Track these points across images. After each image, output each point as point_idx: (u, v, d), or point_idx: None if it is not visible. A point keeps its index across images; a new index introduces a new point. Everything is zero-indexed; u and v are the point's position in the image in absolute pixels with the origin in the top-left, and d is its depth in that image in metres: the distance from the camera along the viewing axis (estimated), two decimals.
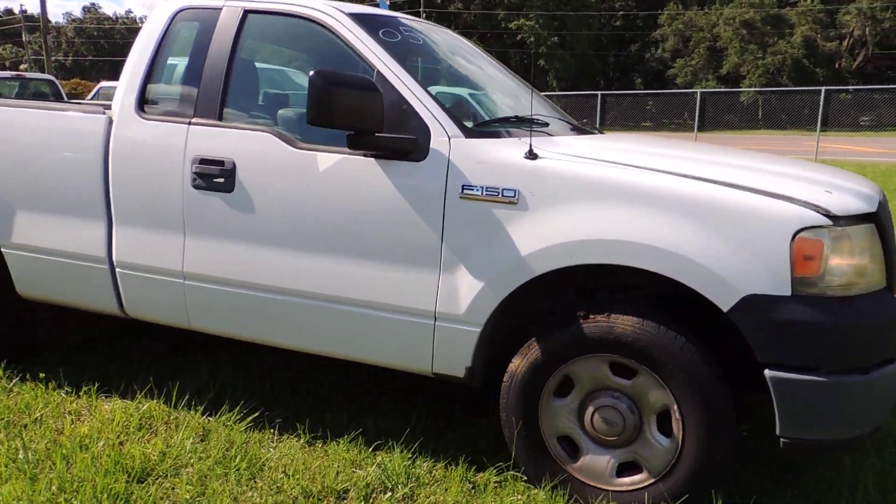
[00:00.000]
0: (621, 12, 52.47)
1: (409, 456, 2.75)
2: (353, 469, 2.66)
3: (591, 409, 2.43)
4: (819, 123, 20.43)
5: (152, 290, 3.07)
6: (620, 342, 2.31)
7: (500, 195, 2.42)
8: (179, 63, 3.13)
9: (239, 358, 3.72)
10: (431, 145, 2.53)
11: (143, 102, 3.04)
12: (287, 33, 3.22)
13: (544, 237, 2.35)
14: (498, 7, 48.90)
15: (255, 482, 2.56)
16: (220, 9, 3.03)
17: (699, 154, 2.74)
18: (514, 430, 2.53)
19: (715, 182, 2.28)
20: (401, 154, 2.54)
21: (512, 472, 2.60)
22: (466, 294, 2.48)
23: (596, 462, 2.45)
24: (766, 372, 2.16)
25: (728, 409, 2.26)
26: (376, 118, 2.46)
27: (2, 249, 3.33)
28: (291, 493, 2.49)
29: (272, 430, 2.95)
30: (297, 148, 2.72)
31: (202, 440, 2.86)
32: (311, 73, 2.39)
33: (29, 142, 3.22)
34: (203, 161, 2.85)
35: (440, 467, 2.70)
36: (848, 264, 2.15)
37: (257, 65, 3.30)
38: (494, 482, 2.59)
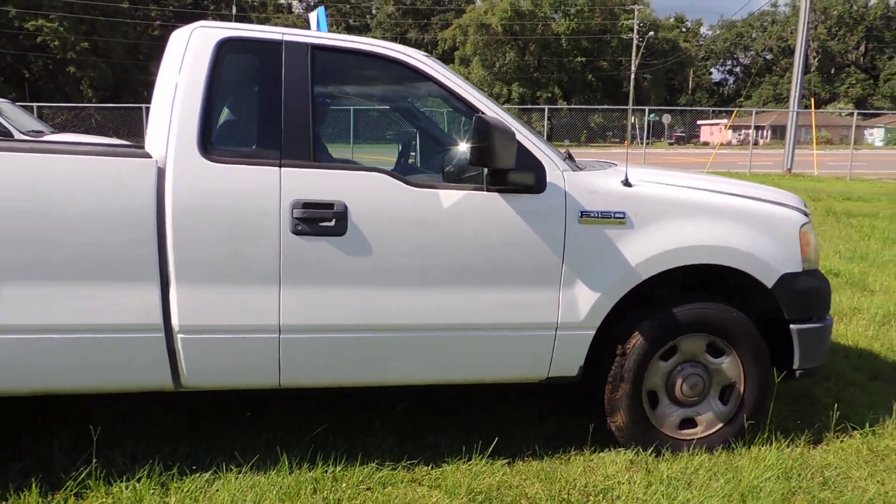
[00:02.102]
0: (159, 22, 50.23)
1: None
2: None
3: (679, 377, 3.16)
4: None
5: (228, 352, 2.69)
6: (713, 325, 3.10)
7: (612, 217, 2.94)
8: (230, 100, 2.86)
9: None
10: (548, 179, 2.90)
11: (206, 144, 2.60)
12: (364, 72, 3.21)
13: (649, 249, 2.97)
14: (8, 3, 41.74)
15: None
16: (280, 42, 2.80)
17: (705, 178, 3.53)
18: (619, 390, 3.09)
19: (750, 197, 3.24)
20: (525, 188, 2.85)
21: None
22: (585, 303, 2.96)
23: (668, 415, 3.21)
24: (792, 326, 3.18)
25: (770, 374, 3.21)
26: (512, 157, 2.71)
27: None
28: None
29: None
30: (414, 186, 2.79)
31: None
32: (477, 117, 2.64)
33: (34, 195, 2.49)
34: (307, 205, 2.66)
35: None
36: (815, 246, 3.29)
37: (339, 104, 2.97)
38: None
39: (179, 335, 2.66)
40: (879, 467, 3.12)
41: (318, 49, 2.84)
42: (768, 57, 78.17)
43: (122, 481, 2.76)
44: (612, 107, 50.00)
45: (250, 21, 50.82)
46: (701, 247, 3.03)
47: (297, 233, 2.67)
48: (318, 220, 2.68)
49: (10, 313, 2.51)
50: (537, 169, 2.88)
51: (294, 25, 47.40)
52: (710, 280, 3.21)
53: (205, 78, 2.68)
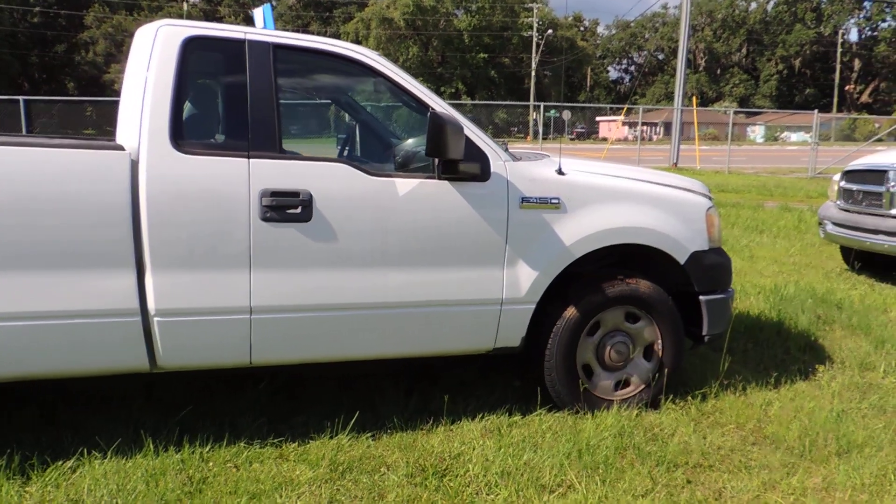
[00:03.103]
0: (38, 8, 47.21)
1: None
2: None
3: (607, 345, 3.55)
4: None
5: (203, 333, 2.88)
6: (639, 297, 3.51)
7: (549, 202, 3.28)
8: (195, 94, 3.06)
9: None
10: (492, 169, 3.20)
11: (177, 137, 2.76)
12: (321, 70, 3.48)
13: (581, 230, 3.33)
14: None
15: None
16: (243, 41, 2.98)
17: (627, 168, 3.87)
18: (555, 361, 3.45)
19: (664, 185, 3.65)
20: (472, 177, 3.15)
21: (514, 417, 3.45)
22: (526, 280, 3.29)
23: (604, 381, 3.60)
24: (701, 297, 3.65)
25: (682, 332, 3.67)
26: (461, 149, 2.99)
27: None
28: None
29: None
30: (374, 176, 3.04)
31: None
32: (431, 113, 2.90)
33: (12, 188, 2.59)
34: (275, 194, 2.86)
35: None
36: (718, 227, 3.76)
37: (295, 99, 3.24)
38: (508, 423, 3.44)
39: (155, 318, 2.80)
40: (703, 424, 3.53)
41: (279, 48, 3.04)
42: (660, 57, 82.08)
43: None
44: (514, 103, 51.19)
45: (141, 9, 48.61)
46: (625, 228, 3.42)
47: (265, 219, 2.88)
48: (286, 207, 2.89)
49: None
50: (482, 159, 3.18)
51: (190, 15, 45.67)
52: (630, 257, 3.64)
53: (173, 75, 2.83)
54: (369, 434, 3.28)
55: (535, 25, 58.58)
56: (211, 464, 2.96)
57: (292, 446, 3.16)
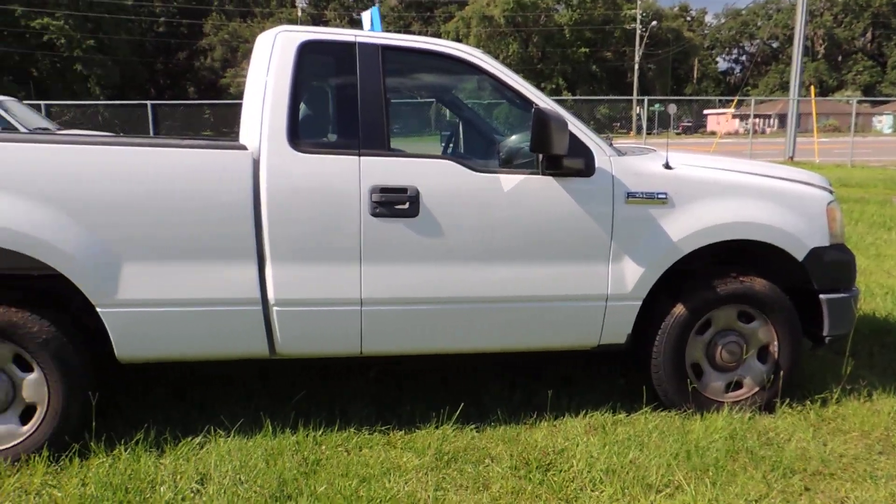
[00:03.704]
0: (163, 18, 50.51)
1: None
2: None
3: (719, 344, 3.44)
4: None
5: (318, 323, 3.03)
6: (754, 296, 3.39)
7: (655, 197, 3.23)
8: (310, 96, 3.20)
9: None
10: (597, 164, 3.18)
11: (294, 137, 2.92)
12: (427, 69, 3.56)
13: (690, 226, 3.25)
14: (14, 2, 42.10)
15: None
16: (354, 44, 3.11)
17: (741, 161, 3.79)
18: (663, 359, 3.38)
19: (781, 178, 3.50)
20: (576, 172, 3.14)
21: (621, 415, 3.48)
22: (632, 275, 3.24)
23: (715, 382, 3.49)
24: (821, 296, 3.47)
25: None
26: (566, 144, 3.00)
27: (99, 311, 2.81)
28: None
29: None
30: (478, 172, 3.10)
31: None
32: (536, 109, 2.93)
33: (148, 185, 2.82)
34: (384, 190, 2.97)
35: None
36: (840, 222, 3.57)
37: (399, 98, 3.40)
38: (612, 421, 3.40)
39: (275, 308, 2.99)
40: (823, 430, 3.35)
41: (387, 49, 3.16)
42: (774, 45, 77.78)
43: (121, 444, 3.02)
44: (617, 97, 50.01)
45: (253, 15, 51.05)
46: (737, 223, 3.31)
47: (375, 215, 3.00)
48: (394, 203, 3.00)
49: (132, 289, 2.85)
50: (586, 154, 3.18)
51: (299, 21, 47.54)
52: (742, 254, 3.52)
53: (290, 77, 3.01)
54: (473, 426, 3.33)
55: (639, 17, 56.93)
56: (324, 447, 3.11)
57: (399, 434, 3.26)
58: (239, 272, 2.95)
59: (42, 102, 22.76)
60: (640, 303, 3.30)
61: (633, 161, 3.33)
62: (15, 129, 10.48)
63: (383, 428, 3.29)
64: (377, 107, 3.08)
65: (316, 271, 3.01)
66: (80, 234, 2.79)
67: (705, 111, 59.46)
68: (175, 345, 2.99)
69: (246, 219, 2.92)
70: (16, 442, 2.90)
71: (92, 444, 2.98)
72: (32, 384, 2.90)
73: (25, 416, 2.94)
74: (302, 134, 3.06)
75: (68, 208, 2.77)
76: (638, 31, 55.99)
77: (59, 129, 11.99)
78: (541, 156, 3.13)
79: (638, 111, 43.11)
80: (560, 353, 3.62)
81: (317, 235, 2.99)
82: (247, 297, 2.97)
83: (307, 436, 3.16)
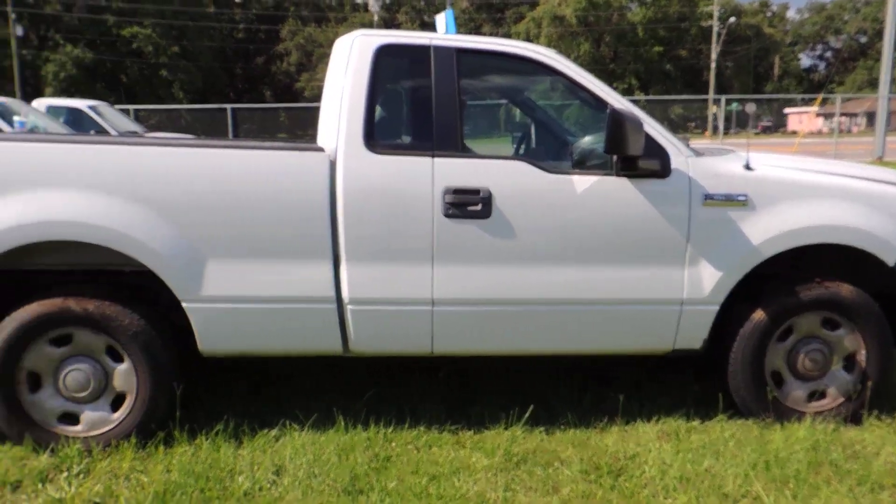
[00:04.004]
0: (242, 25, 52.29)
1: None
2: None
3: (801, 352, 3.29)
4: None
5: (390, 322, 3.08)
6: (839, 302, 3.25)
7: (735, 199, 3.14)
8: (385, 98, 3.24)
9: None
10: (673, 165, 3.12)
11: (369, 138, 2.98)
12: (500, 70, 3.57)
13: (771, 229, 3.13)
14: (106, 12, 44.44)
15: None
16: (429, 47, 3.15)
17: (826, 162, 3.69)
18: (741, 366, 3.27)
19: (870, 179, 3.35)
20: (651, 173, 3.09)
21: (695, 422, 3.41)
22: (709, 280, 3.16)
23: (796, 391, 3.35)
24: None
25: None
26: (641, 145, 2.95)
27: (185, 306, 2.94)
28: None
29: None
30: (551, 173, 3.08)
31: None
32: (611, 109, 2.90)
33: (231, 186, 2.93)
34: (457, 191, 2.99)
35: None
36: None
37: (472, 100, 3.45)
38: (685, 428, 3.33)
39: (349, 306, 3.06)
40: None
41: (461, 51, 3.19)
42: (862, 40, 74.02)
43: (202, 434, 3.16)
44: (692, 96, 48.65)
45: (328, 20, 52.21)
46: (823, 227, 3.18)
47: (447, 216, 3.03)
48: (467, 204, 3.03)
49: (214, 285, 2.97)
50: (662, 155, 3.13)
51: (371, 25, 48.42)
52: (829, 259, 3.37)
53: (367, 80, 3.08)
54: (542, 428, 3.32)
55: (716, 14, 55.23)
56: (394, 444, 3.16)
57: (468, 434, 3.28)
58: (315, 271, 3.03)
59: (131, 107, 23.98)
60: (717, 308, 3.21)
61: (712, 162, 3.24)
62: (107, 133, 11.06)
63: (452, 427, 3.31)
64: (451, 108, 3.11)
65: (389, 271, 3.06)
66: (168, 232, 2.92)
67: (786, 110, 57.10)
68: (253, 340, 3.10)
69: (322, 219, 3.00)
70: (107, 428, 3.07)
71: (176, 432, 3.12)
72: (123, 374, 3.06)
73: (116, 404, 3.10)
74: (377, 136, 3.11)
75: (158, 208, 2.92)
76: (715, 29, 54.32)
77: (146, 133, 12.59)
78: (615, 157, 3.09)
79: (714, 111, 41.82)
80: (631, 357, 3.57)
81: (390, 236, 3.04)
82: (322, 295, 3.05)
83: (378, 432, 3.22)
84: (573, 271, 3.13)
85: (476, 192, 3.05)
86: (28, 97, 28.50)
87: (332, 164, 3.03)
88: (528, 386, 3.81)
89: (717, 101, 40.12)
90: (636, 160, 3.07)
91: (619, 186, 3.13)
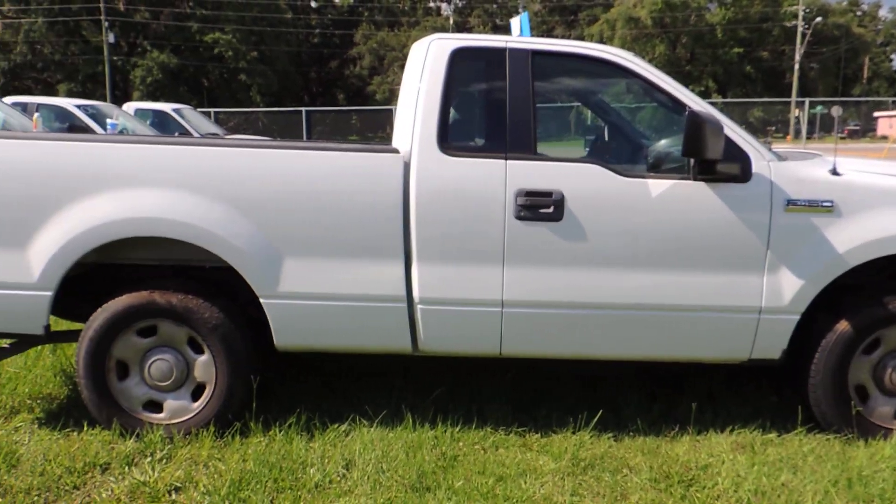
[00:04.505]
0: (318, 30, 53.60)
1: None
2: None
3: (888, 367, 3.16)
4: None
5: (459, 322, 3.11)
6: None
7: (819, 205, 3.03)
8: (460, 100, 3.28)
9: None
10: (754, 169, 3.04)
11: (443, 141, 3.03)
12: (575, 73, 3.56)
13: (858, 237, 3.01)
14: (191, 19, 46.37)
15: None
16: (504, 49, 3.16)
17: None
18: (822, 380, 3.14)
19: None
20: (731, 177, 3.02)
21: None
22: (790, 288, 3.06)
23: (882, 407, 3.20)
24: None
25: None
26: (720, 148, 2.89)
27: (262, 301, 3.04)
28: None
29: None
30: (625, 176, 3.05)
31: None
32: (689, 111, 2.85)
33: (308, 186, 3.03)
34: (529, 193, 2.99)
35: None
36: None
37: (544, 103, 3.48)
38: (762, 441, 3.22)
39: (419, 306, 3.12)
40: None
41: (537, 54, 3.20)
42: None
43: (276, 426, 3.26)
44: (773, 99, 46.89)
45: (401, 25, 52.91)
46: None
47: (519, 218, 3.04)
48: (539, 206, 3.03)
49: (291, 282, 3.08)
50: (742, 159, 3.05)
51: (443, 29, 48.79)
52: None
53: (441, 83, 3.13)
54: (611, 434, 3.28)
55: (801, 14, 53.07)
56: (461, 443, 3.18)
57: (535, 437, 3.27)
58: (386, 270, 3.08)
59: (211, 110, 24.97)
60: (797, 317, 3.09)
61: (795, 166, 3.13)
62: (190, 134, 11.55)
63: (520, 429, 3.31)
64: (525, 111, 3.12)
65: (459, 272, 3.08)
66: (248, 230, 3.04)
67: (875, 113, 54.30)
68: (326, 336, 3.18)
69: (395, 219, 3.05)
70: (188, 417, 3.21)
71: (252, 424, 3.24)
72: (203, 365, 3.20)
73: (196, 394, 3.24)
74: (451, 138, 3.15)
75: (239, 207, 3.03)
76: (800, 29, 52.18)
77: (225, 134, 13.08)
78: (692, 160, 3.03)
79: (797, 114, 40.17)
80: (703, 365, 3.48)
81: (462, 237, 3.07)
82: (393, 294, 3.10)
83: (445, 431, 3.25)
84: (646, 276, 3.08)
85: (548, 194, 3.04)
86: (117, 101, 30.10)
87: (406, 166, 3.07)
88: (596, 391, 3.77)
89: (800, 105, 38.52)
90: (715, 164, 2.99)
91: (696, 191, 3.06)
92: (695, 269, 3.07)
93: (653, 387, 3.78)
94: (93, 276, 3.32)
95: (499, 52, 3.19)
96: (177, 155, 3.08)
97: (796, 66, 51.66)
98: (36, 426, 3.29)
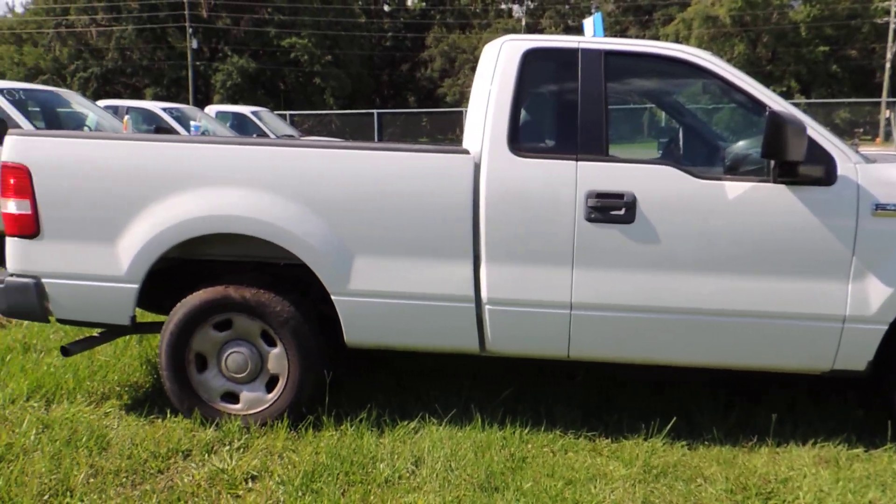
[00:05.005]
0: (390, 33, 54.35)
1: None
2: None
3: None
4: None
5: (527, 324, 3.10)
6: None
7: None
8: (531, 101, 3.27)
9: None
10: (839, 171, 2.93)
11: (513, 142, 3.03)
12: (650, 73, 3.49)
13: None
14: (269, 25, 47.81)
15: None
16: (577, 50, 3.14)
17: None
18: None
19: None
20: (814, 180, 2.91)
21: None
22: (877, 296, 2.93)
23: None
24: None
25: None
26: (803, 150, 2.79)
27: (333, 298, 3.12)
28: None
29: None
30: (700, 178, 2.98)
31: None
32: (770, 112, 2.76)
33: (379, 186, 3.07)
34: (600, 195, 2.96)
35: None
36: None
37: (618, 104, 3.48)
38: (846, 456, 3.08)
39: (487, 306, 3.13)
40: None
41: (610, 54, 3.16)
42: None
43: (347, 421, 3.33)
44: (861, 100, 44.65)
45: (472, 27, 53.02)
46: None
47: (589, 220, 3.01)
48: (609, 208, 3.00)
49: (361, 280, 3.12)
50: (827, 161, 2.94)
51: (514, 30, 48.65)
52: None
53: (513, 84, 3.14)
54: (684, 442, 3.20)
55: (894, 10, 50.31)
56: (530, 445, 3.17)
57: (605, 442, 3.22)
58: (455, 270, 3.10)
59: (287, 112, 25.68)
60: (885, 327, 2.94)
61: (884, 169, 2.99)
62: (266, 135, 11.92)
63: (589, 434, 3.27)
64: (597, 112, 3.08)
65: (528, 273, 3.07)
66: (322, 228, 3.11)
67: None
68: (394, 334, 3.22)
69: (465, 219, 3.06)
70: (262, 407, 3.32)
71: (324, 418, 3.32)
72: (276, 357, 3.29)
73: (270, 386, 3.34)
74: (522, 139, 3.14)
75: (313, 206, 3.11)
76: (892, 25, 49.48)
77: (300, 136, 13.44)
78: (773, 162, 2.92)
79: (888, 115, 38.10)
80: (783, 375, 3.35)
81: (531, 238, 3.05)
82: (461, 294, 3.12)
83: (514, 432, 3.24)
84: (721, 280, 2.99)
85: (620, 196, 2.99)
86: (199, 104, 31.36)
87: (477, 167, 3.08)
88: (669, 397, 3.68)
89: (891, 105, 36.51)
90: (797, 166, 2.88)
91: (776, 193, 2.96)
92: (774, 274, 2.97)
93: (729, 395, 3.67)
94: (177, 271, 3.47)
95: (571, 53, 3.16)
96: (255, 155, 3.18)
97: (887, 65, 48.99)
98: (124, 412, 3.46)
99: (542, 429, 3.29)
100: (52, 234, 3.21)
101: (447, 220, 3.07)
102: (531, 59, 3.17)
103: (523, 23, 44.03)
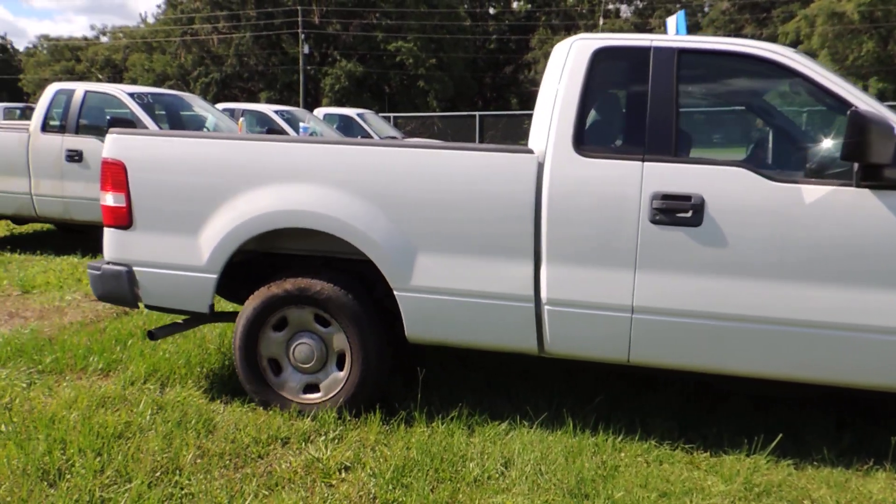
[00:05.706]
0: (495, 36, 54.50)
1: None
2: None
3: None
4: None
5: (586, 326, 3.05)
6: None
7: None
8: (601, 101, 3.20)
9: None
10: None
11: (579, 141, 3.00)
12: (727, 72, 3.33)
13: None
14: (376, 29, 49.07)
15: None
16: (649, 48, 3.07)
17: None
18: None
19: None
20: None
21: None
22: None
23: None
24: None
25: None
26: (890, 152, 2.63)
27: (395, 294, 3.18)
28: None
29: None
30: (775, 182, 2.84)
31: None
32: (852, 111, 2.59)
33: (442, 184, 3.10)
34: (666, 197, 2.88)
35: None
36: None
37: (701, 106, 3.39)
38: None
39: (546, 306, 3.11)
40: None
41: (683, 52, 3.05)
42: None
43: (438, 418, 3.37)
44: None
45: (578, 28, 52.32)
46: None
47: (654, 222, 2.93)
48: (676, 210, 2.91)
49: (422, 277, 3.18)
50: None
51: (621, 30, 47.58)
52: None
53: (581, 83, 3.10)
54: (790, 461, 3.02)
55: None
56: (623, 454, 3.09)
57: (703, 455, 3.09)
58: (516, 269, 3.07)
59: (391, 115, 26.28)
60: None
61: None
62: (370, 137, 12.26)
63: (686, 446, 3.15)
64: (665, 112, 2.97)
65: (589, 274, 3.00)
66: (386, 225, 3.16)
67: None
68: (454, 331, 3.21)
69: (527, 219, 3.03)
70: (338, 389, 3.38)
71: (416, 414, 3.37)
72: (335, 337, 3.37)
73: (340, 364, 3.41)
74: (588, 139, 3.07)
75: (378, 203, 3.16)
76: None
77: (403, 137, 13.71)
78: (856, 165, 2.72)
79: None
80: None
81: (593, 239, 2.98)
82: (521, 293, 3.08)
83: (606, 440, 3.17)
84: (794, 289, 2.81)
85: (687, 198, 2.87)
86: (309, 106, 32.61)
87: (540, 166, 3.04)
88: (774, 413, 3.49)
89: None
90: (882, 169, 2.68)
91: (858, 198, 2.76)
92: (853, 284, 2.76)
93: (841, 414, 3.44)
94: (255, 263, 3.63)
95: (642, 52, 3.06)
96: (324, 153, 3.26)
97: None
98: (229, 397, 3.65)
99: (636, 438, 3.20)
100: (143, 226, 3.44)
101: (509, 218, 3.05)
102: (601, 59, 3.09)
103: (628, 18, 42.96)
